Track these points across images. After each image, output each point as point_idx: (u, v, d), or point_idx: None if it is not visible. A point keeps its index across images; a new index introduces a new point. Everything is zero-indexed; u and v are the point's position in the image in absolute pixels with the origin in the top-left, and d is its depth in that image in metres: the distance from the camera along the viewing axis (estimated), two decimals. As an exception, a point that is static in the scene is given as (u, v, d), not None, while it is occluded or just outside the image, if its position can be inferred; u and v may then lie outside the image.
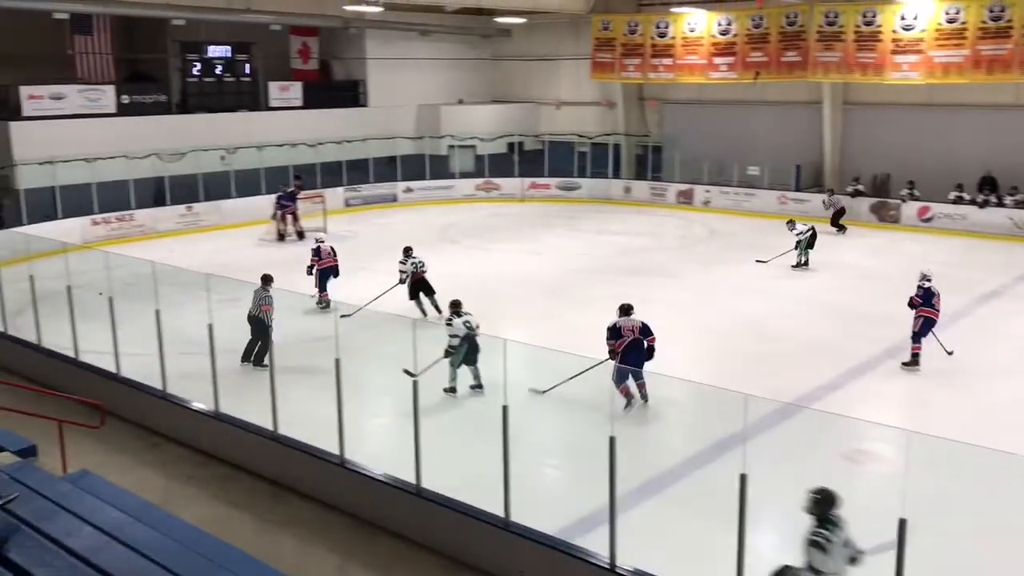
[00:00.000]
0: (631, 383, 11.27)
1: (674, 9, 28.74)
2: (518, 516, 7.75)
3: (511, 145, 32.23)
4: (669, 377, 10.83)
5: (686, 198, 29.51)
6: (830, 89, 27.14)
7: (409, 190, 30.37)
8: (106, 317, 11.58)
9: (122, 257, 14.27)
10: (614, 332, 11.47)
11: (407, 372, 9.00)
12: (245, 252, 22.50)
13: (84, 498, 7.27)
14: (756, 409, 7.09)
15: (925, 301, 13.25)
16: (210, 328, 10.21)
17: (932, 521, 7.22)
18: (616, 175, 31.63)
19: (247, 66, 27.99)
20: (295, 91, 29.31)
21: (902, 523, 5.63)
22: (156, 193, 25.27)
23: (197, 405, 10.66)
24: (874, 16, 25.07)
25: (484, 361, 11.92)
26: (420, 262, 16.01)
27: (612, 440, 6.93)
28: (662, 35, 29.47)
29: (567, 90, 33.86)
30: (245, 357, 12.94)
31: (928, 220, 25.00)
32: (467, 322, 11.82)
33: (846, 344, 14.66)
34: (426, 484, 8.36)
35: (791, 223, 20.45)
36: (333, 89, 31.83)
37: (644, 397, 11.52)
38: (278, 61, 29.98)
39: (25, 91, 23.59)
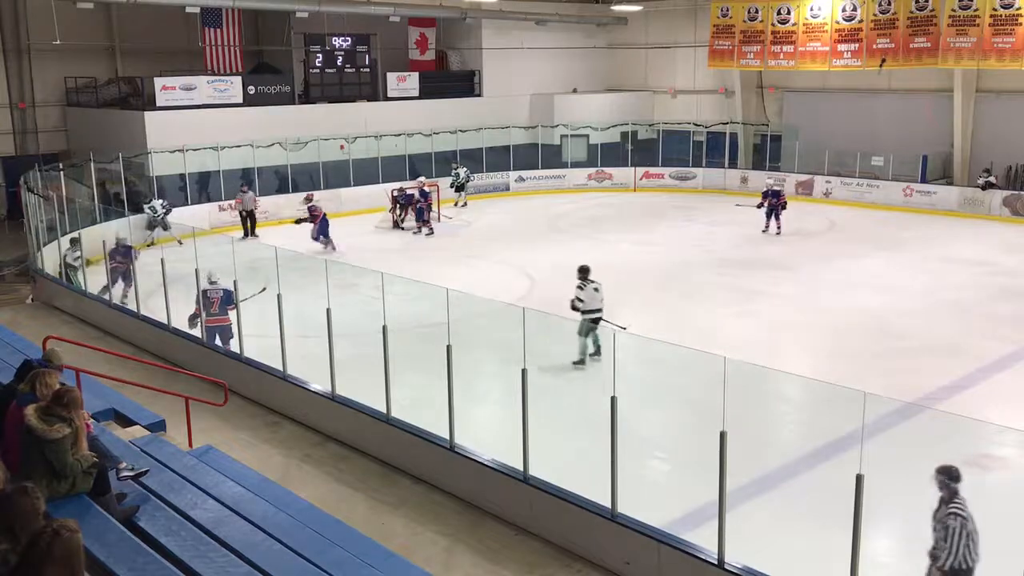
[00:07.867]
0: None
1: (797, -6, 27.92)
2: (625, 507, 7.71)
3: (624, 134, 31.97)
4: (784, 373, 10.59)
5: (805, 189, 28.68)
6: (962, 76, 25.86)
7: (521, 179, 30.52)
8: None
9: (246, 242, 14.81)
10: None
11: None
12: (362, 239, 23.04)
13: (208, 472, 7.61)
14: (875, 408, 6.86)
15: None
16: (328, 312, 10.49)
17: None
18: (732, 165, 31.03)
19: (367, 57, 28.58)
20: (412, 81, 29.76)
21: (1031, 533, 5.38)
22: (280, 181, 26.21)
23: (315, 387, 10.98)
24: (1013, -2, 23.80)
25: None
26: None
27: (723, 435, 6.82)
28: (783, 21, 28.68)
29: (683, 78, 33.32)
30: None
31: (1068, 214, 23.66)
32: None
33: (973, 343, 14.02)
34: (533, 471, 8.41)
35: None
36: (449, 79, 32.15)
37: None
38: (396, 52, 30.54)
39: (159, 82, 24.69)
